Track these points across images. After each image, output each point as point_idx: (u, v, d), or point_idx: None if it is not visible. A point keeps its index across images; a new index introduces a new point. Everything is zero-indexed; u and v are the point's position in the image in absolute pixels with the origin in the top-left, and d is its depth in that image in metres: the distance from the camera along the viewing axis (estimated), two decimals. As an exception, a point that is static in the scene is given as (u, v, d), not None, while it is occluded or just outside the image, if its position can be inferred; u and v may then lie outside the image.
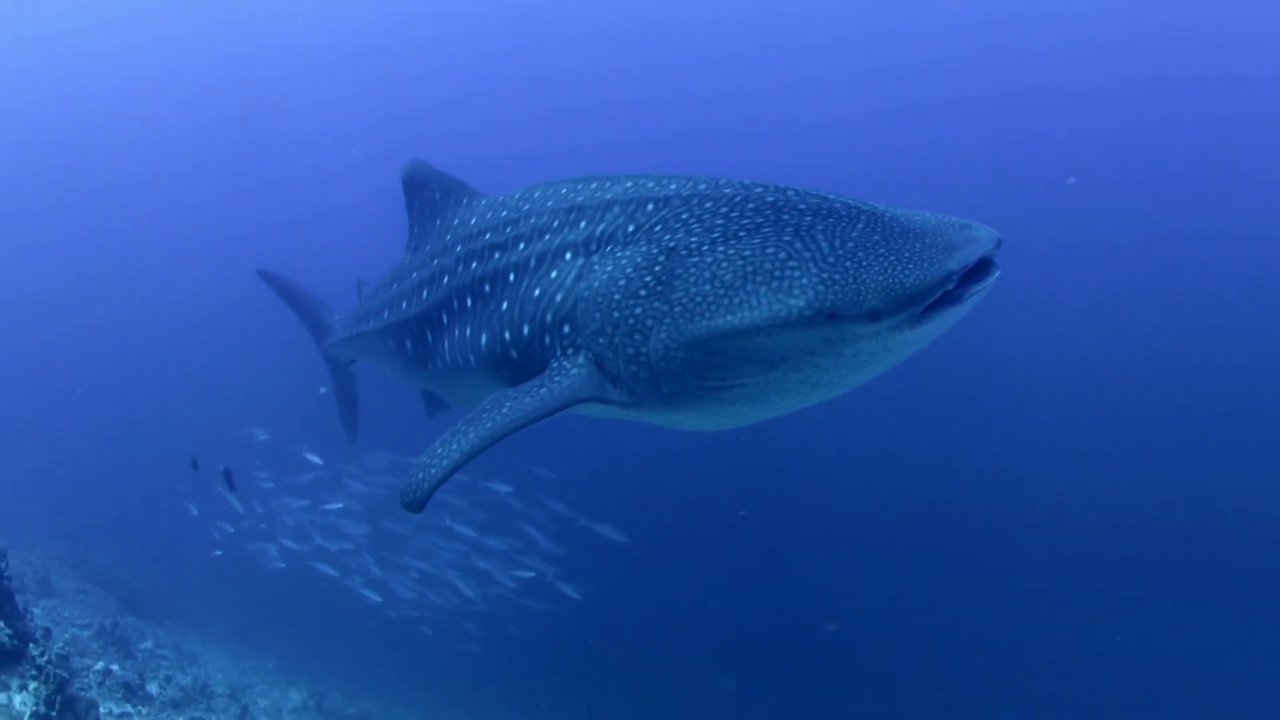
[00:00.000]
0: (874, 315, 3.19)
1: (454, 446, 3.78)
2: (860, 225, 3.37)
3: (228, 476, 10.16)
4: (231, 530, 16.76)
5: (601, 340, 3.74)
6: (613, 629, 16.78)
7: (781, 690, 17.48)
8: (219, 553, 17.19)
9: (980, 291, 3.35)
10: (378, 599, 15.03)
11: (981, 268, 3.33)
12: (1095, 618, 18.36)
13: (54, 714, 6.52)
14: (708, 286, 3.40)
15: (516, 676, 15.85)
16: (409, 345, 5.47)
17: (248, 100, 43.99)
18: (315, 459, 15.85)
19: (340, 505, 15.45)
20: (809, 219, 3.44)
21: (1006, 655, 17.62)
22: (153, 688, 9.87)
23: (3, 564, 7.57)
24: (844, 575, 19.53)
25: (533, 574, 14.51)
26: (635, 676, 17.13)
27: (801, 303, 3.21)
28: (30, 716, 6.36)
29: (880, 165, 33.24)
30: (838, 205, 3.51)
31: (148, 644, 12.82)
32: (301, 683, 14.53)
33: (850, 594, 19.16)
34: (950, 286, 3.22)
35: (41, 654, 7.04)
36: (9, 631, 6.97)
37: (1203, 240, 27.22)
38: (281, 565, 16.01)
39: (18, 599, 8.88)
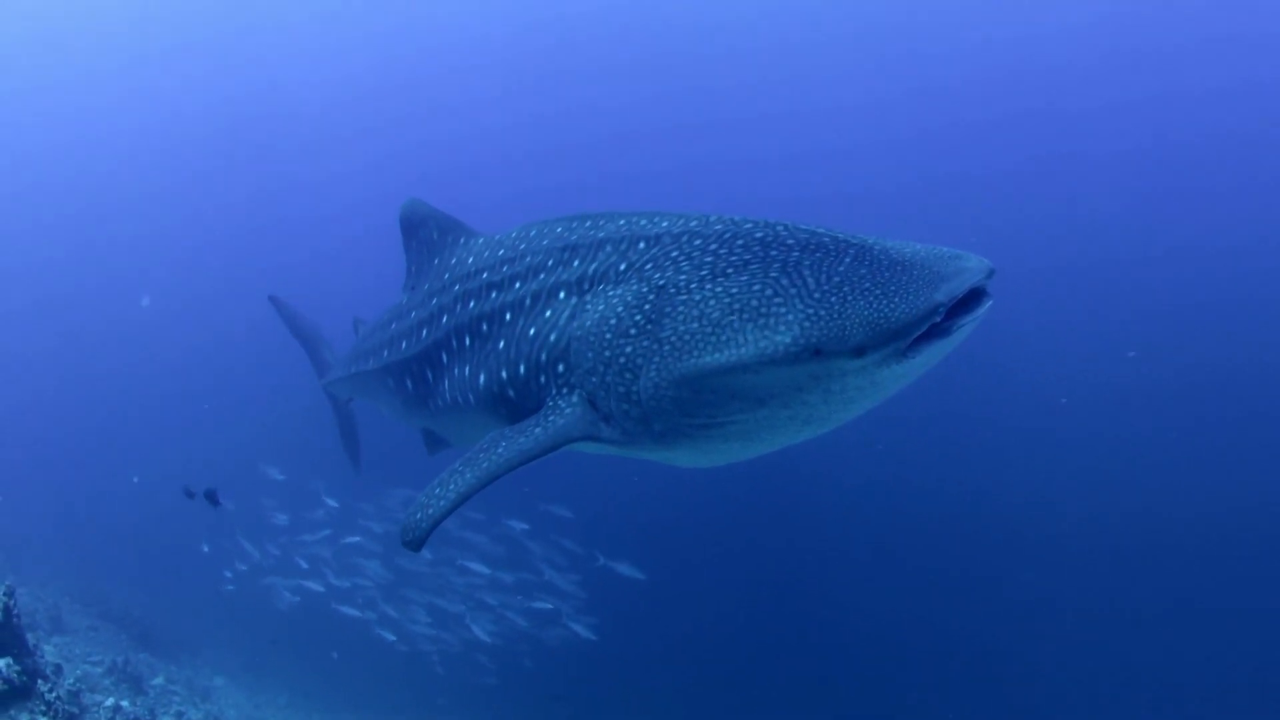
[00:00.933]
0: (859, 350, 3.17)
1: (451, 486, 3.84)
2: (848, 260, 3.37)
3: (211, 496, 10.08)
4: (245, 567, 16.78)
5: (594, 379, 3.76)
6: (625, 661, 16.70)
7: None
8: (231, 586, 17.21)
9: (970, 323, 3.33)
10: (391, 636, 15.02)
11: (973, 298, 3.32)
12: (1095, 625, 18.48)
13: (63, 750, 6.48)
14: (695, 324, 3.40)
15: (529, 708, 15.86)
16: (409, 384, 5.52)
17: (264, 135, 44.44)
18: (332, 501, 15.95)
19: (357, 539, 15.47)
20: (796, 254, 3.44)
21: (1034, 688, 17.55)
22: (164, 724, 9.82)
23: (11, 601, 7.55)
24: (859, 601, 19.54)
25: (549, 606, 14.52)
26: (646, 707, 17.11)
27: (787, 339, 3.21)
28: (39, 753, 6.30)
29: (894, 191, 33.28)
30: (826, 240, 3.51)
31: (159, 680, 12.78)
32: (314, 717, 14.47)
33: (866, 619, 19.19)
34: (938, 319, 3.21)
35: (51, 690, 7.04)
36: (18, 668, 6.96)
37: (1206, 253, 27.42)
38: (295, 599, 15.99)
39: (29, 636, 8.86)
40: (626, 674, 16.97)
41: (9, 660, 6.91)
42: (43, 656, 8.98)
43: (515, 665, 15.40)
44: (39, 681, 7.10)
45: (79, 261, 45.52)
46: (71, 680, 9.36)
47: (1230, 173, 29.37)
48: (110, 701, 9.19)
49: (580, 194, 38.54)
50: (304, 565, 15.51)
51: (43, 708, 6.74)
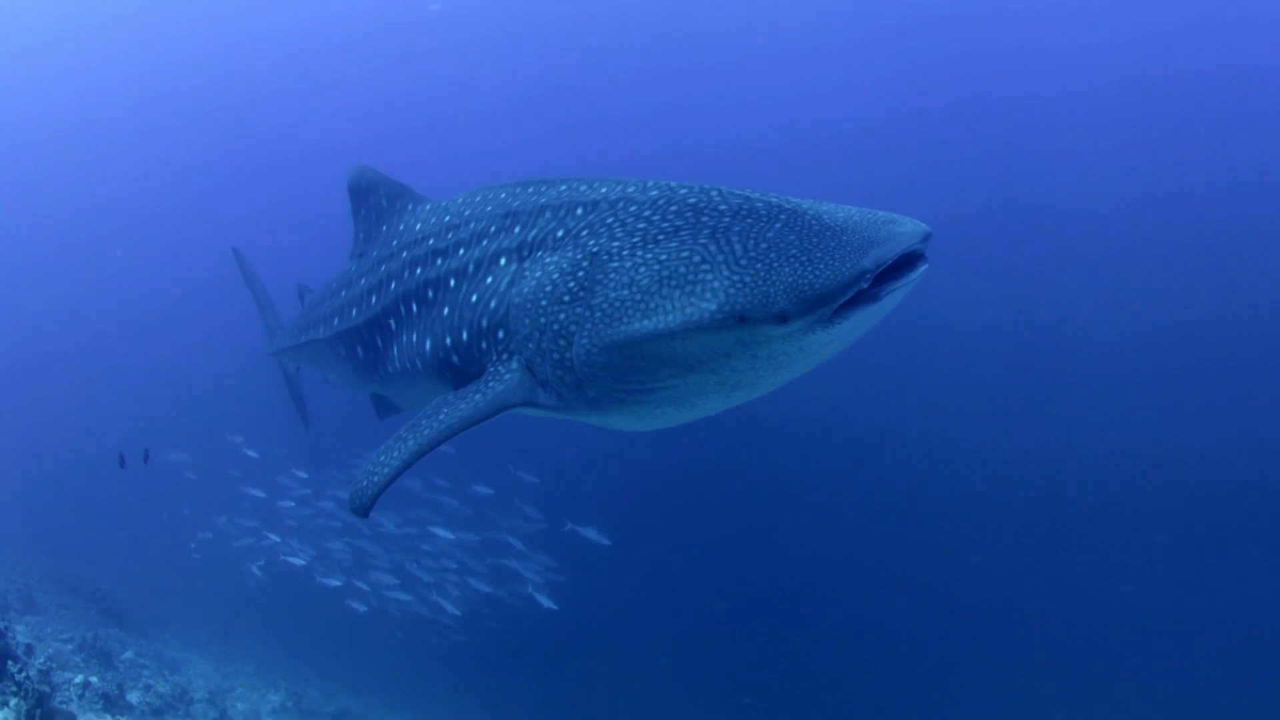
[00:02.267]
0: (783, 317, 3.19)
1: (395, 453, 3.97)
2: (778, 225, 3.38)
3: (144, 456, 10.27)
4: (210, 535, 17.23)
5: (531, 345, 3.82)
6: (589, 619, 17.08)
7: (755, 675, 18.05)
8: (197, 556, 17.70)
9: (901, 288, 3.34)
10: (361, 607, 15.32)
11: (909, 262, 3.33)
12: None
13: (35, 728, 7.06)
14: (625, 291, 3.45)
15: (492, 666, 16.25)
16: (360, 351, 5.57)
17: (233, 97, 44.00)
18: (301, 473, 16.32)
19: (328, 505, 15.81)
20: (727, 220, 3.45)
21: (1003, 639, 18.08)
22: (133, 697, 10.41)
23: (-18, 588, 8.09)
24: (828, 564, 20.03)
25: (514, 568, 14.71)
26: (610, 667, 17.49)
27: (712, 306, 3.24)
28: (12, 731, 6.87)
29: (889, 175, 32.82)
30: (759, 205, 3.51)
31: (129, 654, 13.35)
32: (280, 684, 14.96)
33: (834, 580, 19.76)
34: (864, 285, 3.20)
35: (21, 671, 7.56)
36: (-11, 652, 7.50)
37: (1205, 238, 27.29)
38: (262, 576, 16.46)
39: (0, 618, 9.44)
40: (590, 631, 17.39)
41: (-20, 645, 7.44)
42: (14, 637, 9.54)
43: (480, 625, 15.69)
44: (9, 663, 7.62)
45: (27, 233, 45.37)
46: (43, 659, 9.92)
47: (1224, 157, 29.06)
48: (80, 678, 9.77)
49: (536, 153, 38.70)
50: (274, 538, 15.79)
51: (13, 688, 7.24)
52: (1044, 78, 31.42)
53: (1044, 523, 20.72)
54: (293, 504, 16.18)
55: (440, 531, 14.83)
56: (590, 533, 15.00)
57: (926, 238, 3.35)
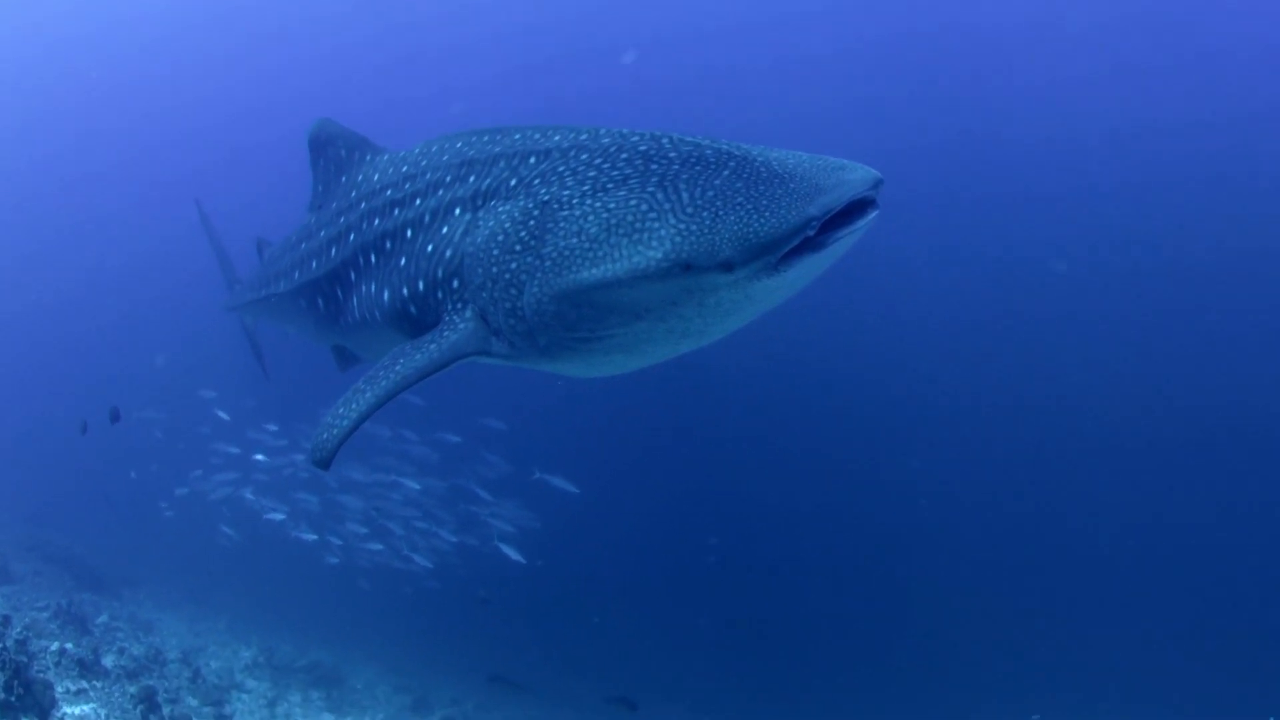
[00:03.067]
0: (728, 265, 3.22)
1: (354, 405, 4.04)
2: (725, 173, 3.39)
3: (113, 414, 10.29)
4: (185, 490, 17.42)
5: (484, 295, 3.86)
6: (560, 567, 17.27)
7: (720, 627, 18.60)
8: (170, 513, 18.07)
9: (848, 235, 3.33)
10: (334, 559, 15.63)
11: (860, 208, 3.33)
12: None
13: (14, 699, 7.58)
14: (574, 240, 3.47)
15: (463, 615, 16.69)
16: (320, 303, 5.62)
17: (188, 48, 43.64)
18: (271, 426, 16.44)
19: (301, 458, 15.78)
20: (676, 168, 3.48)
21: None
22: (107, 661, 10.94)
23: (-42, 567, 8.57)
24: (794, 512, 20.65)
25: (481, 517, 14.85)
26: (580, 614, 18.07)
27: (658, 254, 3.27)
28: (-8, 703, 7.39)
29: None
30: (709, 152, 3.53)
31: (104, 618, 13.83)
32: (253, 640, 15.39)
33: (801, 531, 20.37)
34: (810, 233, 3.22)
35: (-1, 644, 8.08)
36: (-34, 629, 8.00)
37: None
38: (231, 533, 16.85)
39: (-24, 590, 9.92)
40: (561, 579, 17.78)
41: (-41, 623, 7.93)
42: (-10, 610, 10.06)
43: (450, 574, 15.94)
44: (-12, 637, 8.14)
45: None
46: (19, 629, 10.41)
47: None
48: (55, 646, 10.27)
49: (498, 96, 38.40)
50: (249, 495, 16.00)
51: (-7, 661, 7.75)
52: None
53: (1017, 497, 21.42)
54: (264, 458, 16.27)
55: (408, 482, 15.00)
56: (558, 480, 15.17)
57: (877, 184, 3.36)
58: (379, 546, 15.24)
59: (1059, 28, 30.06)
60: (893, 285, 24.93)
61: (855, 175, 3.32)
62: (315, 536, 15.66)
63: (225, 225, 11.02)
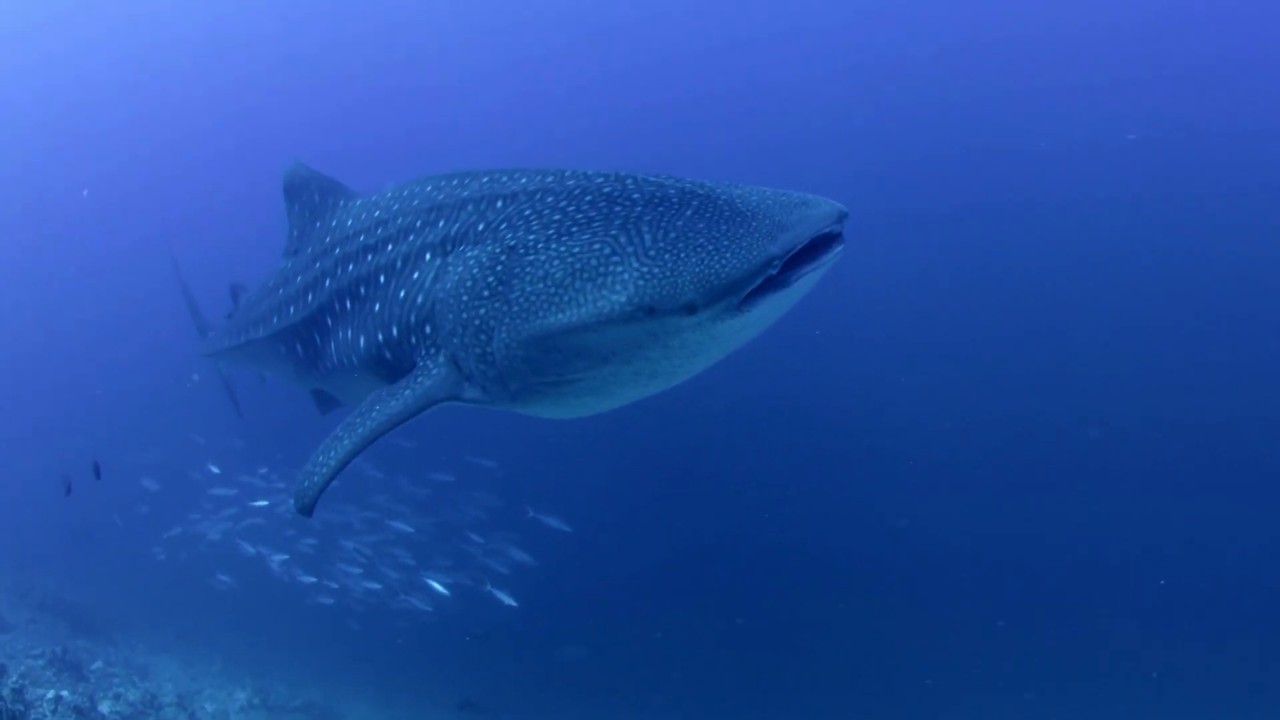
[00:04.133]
0: (690, 308, 3.22)
1: (333, 454, 4.08)
2: (688, 213, 3.39)
3: (96, 470, 10.13)
4: (179, 529, 17.37)
5: (455, 340, 3.87)
6: (554, 604, 17.24)
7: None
8: (162, 556, 18.07)
9: (814, 271, 3.35)
10: (329, 601, 15.51)
11: (826, 243, 3.34)
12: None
13: (13, 748, 7.71)
14: (540, 285, 3.49)
15: (458, 652, 16.54)
16: (299, 349, 5.65)
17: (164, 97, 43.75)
18: (263, 469, 16.54)
19: (266, 503, 15.99)
20: (639, 209, 3.48)
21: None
22: (104, 707, 11.03)
23: (-45, 620, 8.67)
24: (796, 545, 20.64)
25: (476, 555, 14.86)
26: (578, 650, 17.80)
27: (622, 299, 3.28)
28: (-8, 754, 7.50)
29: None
30: (672, 192, 3.53)
31: (98, 664, 13.91)
32: (246, 681, 15.39)
33: (803, 564, 20.31)
34: (773, 272, 3.22)
35: (-4, 695, 8.20)
36: (-35, 680, 8.12)
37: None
38: (228, 580, 16.76)
39: (-29, 641, 10.02)
40: (555, 616, 17.66)
41: (-42, 675, 8.05)
42: (-13, 660, 10.16)
43: (445, 610, 15.47)
44: (-14, 690, 8.25)
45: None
46: (15, 679, 10.53)
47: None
48: (51, 694, 10.37)
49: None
50: (249, 548, 15.91)
51: (-9, 713, 7.88)
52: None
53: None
54: (265, 503, 16.25)
55: (399, 525, 15.03)
56: (552, 520, 15.15)
57: (841, 218, 3.36)
58: (376, 586, 15.12)
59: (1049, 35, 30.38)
60: (881, 304, 25.12)
61: (818, 211, 3.33)
62: (314, 579, 15.58)
63: (199, 271, 11.08)
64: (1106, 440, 21.97)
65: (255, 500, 16.42)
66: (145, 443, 23.21)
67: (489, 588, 14.42)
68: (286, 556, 15.63)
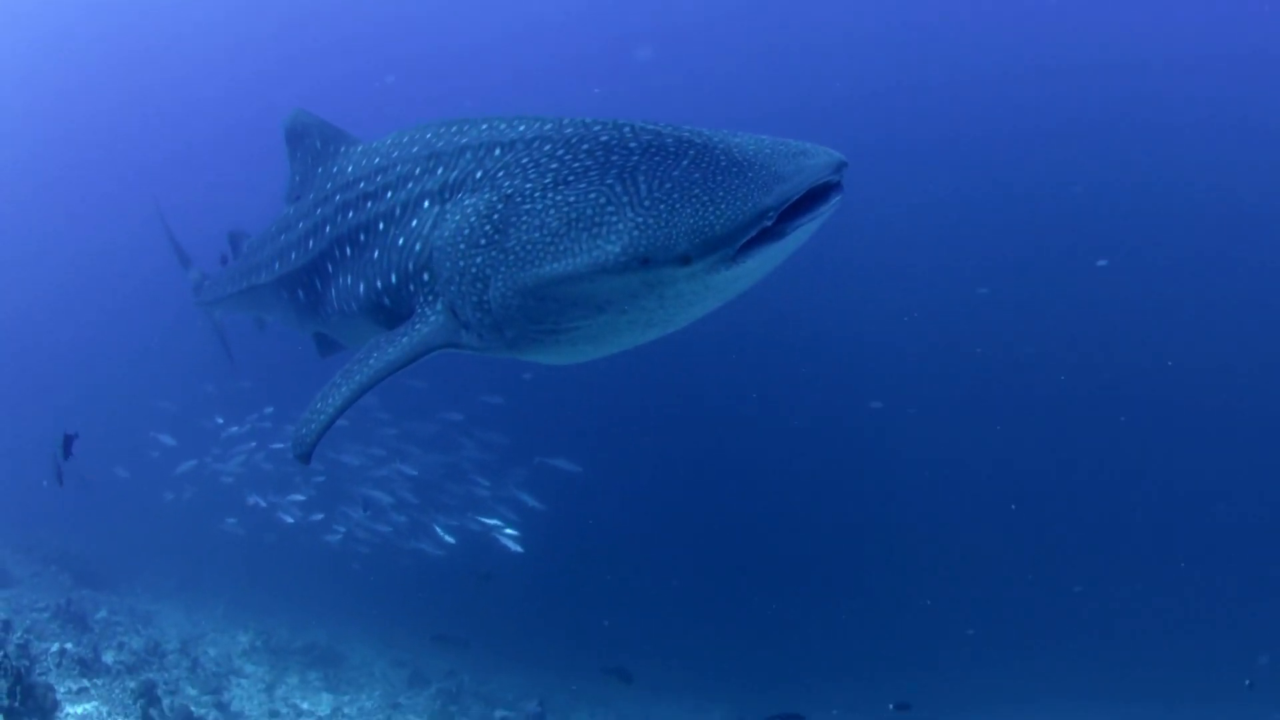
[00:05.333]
0: (685, 259, 3.22)
1: (331, 400, 4.15)
2: (685, 162, 3.38)
3: (67, 443, 9.69)
4: (193, 464, 17.59)
5: (453, 288, 3.89)
6: (563, 544, 17.44)
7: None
8: (170, 496, 18.31)
9: (809, 222, 3.33)
10: (334, 539, 15.81)
11: (824, 193, 3.32)
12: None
13: (17, 704, 8.00)
14: (536, 234, 3.49)
15: (462, 591, 16.41)
16: (301, 295, 5.71)
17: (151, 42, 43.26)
18: (269, 409, 16.71)
19: (281, 446, 16.12)
20: (635, 159, 3.47)
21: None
22: (108, 657, 11.38)
23: (-44, 581, 8.95)
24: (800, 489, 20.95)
25: (486, 493, 15.09)
26: (582, 590, 18.38)
27: (616, 249, 3.28)
28: (-3, 710, 7.81)
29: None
30: (669, 141, 3.52)
31: (102, 614, 14.27)
32: (249, 624, 15.73)
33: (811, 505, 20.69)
34: (768, 223, 3.21)
35: None
36: (-31, 640, 8.42)
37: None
38: (235, 524, 17.06)
39: (-23, 598, 10.31)
40: (563, 555, 17.88)
41: (-40, 635, 8.35)
42: (-9, 617, 10.48)
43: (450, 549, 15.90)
44: (-11, 647, 8.55)
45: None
46: (20, 633, 10.88)
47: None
48: (56, 647, 10.73)
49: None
50: (261, 501, 16.12)
51: (-5, 669, 8.16)
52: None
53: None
54: (280, 446, 16.34)
55: (405, 468, 15.23)
56: (560, 462, 15.34)
57: (840, 168, 3.33)
58: (385, 529, 15.39)
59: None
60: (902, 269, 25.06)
61: (815, 161, 3.30)
62: (320, 517, 15.83)
63: (191, 219, 11.06)
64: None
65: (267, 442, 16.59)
66: (155, 393, 23.28)
67: (494, 534, 14.54)
68: (296, 499, 15.84)
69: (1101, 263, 22.55)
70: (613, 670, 13.26)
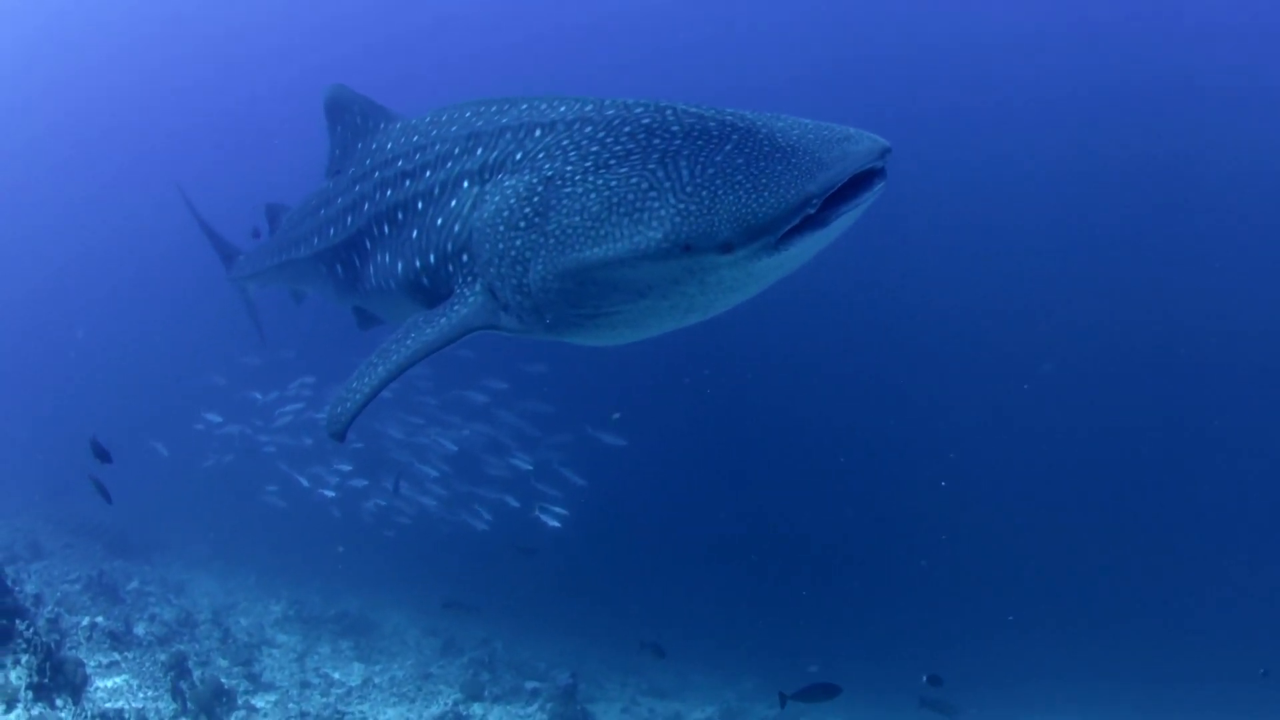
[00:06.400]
0: (727, 246, 3.19)
1: (367, 379, 4.15)
2: (728, 147, 3.34)
3: (97, 449, 9.59)
4: (231, 425, 17.58)
5: (492, 270, 3.88)
6: (604, 520, 17.25)
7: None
8: (209, 463, 18.24)
9: (852, 211, 3.30)
10: (372, 506, 15.73)
11: (866, 180, 3.28)
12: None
13: (46, 680, 7.93)
14: (577, 218, 3.47)
15: (498, 563, 16.38)
16: (339, 270, 5.72)
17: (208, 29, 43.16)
18: (309, 378, 16.56)
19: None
20: (678, 143, 3.43)
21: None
22: (139, 629, 11.36)
23: (-16, 554, 8.87)
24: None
25: (530, 467, 14.86)
26: (617, 567, 18.09)
27: (659, 235, 3.25)
28: (27, 688, 7.73)
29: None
30: (712, 125, 3.47)
31: (134, 584, 14.28)
32: (282, 593, 15.77)
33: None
34: (811, 210, 3.17)
35: (29, 627, 8.38)
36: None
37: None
38: (277, 499, 16.89)
39: (9, 570, 10.27)
40: (605, 533, 17.73)
41: (-9, 610, 8.26)
42: (22, 590, 10.41)
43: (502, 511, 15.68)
44: (17, 621, 8.46)
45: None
46: (51, 607, 10.84)
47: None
48: (86, 621, 10.69)
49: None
50: (303, 482, 16.05)
51: (23, 645, 8.06)
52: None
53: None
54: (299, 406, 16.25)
55: (445, 442, 15.07)
56: (606, 436, 15.19)
57: (884, 154, 3.29)
58: (428, 500, 15.26)
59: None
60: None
61: (859, 147, 3.26)
62: (363, 483, 15.68)
63: (226, 191, 10.80)
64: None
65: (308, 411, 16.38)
66: (199, 368, 23.16)
67: (535, 512, 14.41)
68: (342, 468, 15.68)
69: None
70: (647, 645, 13.20)
